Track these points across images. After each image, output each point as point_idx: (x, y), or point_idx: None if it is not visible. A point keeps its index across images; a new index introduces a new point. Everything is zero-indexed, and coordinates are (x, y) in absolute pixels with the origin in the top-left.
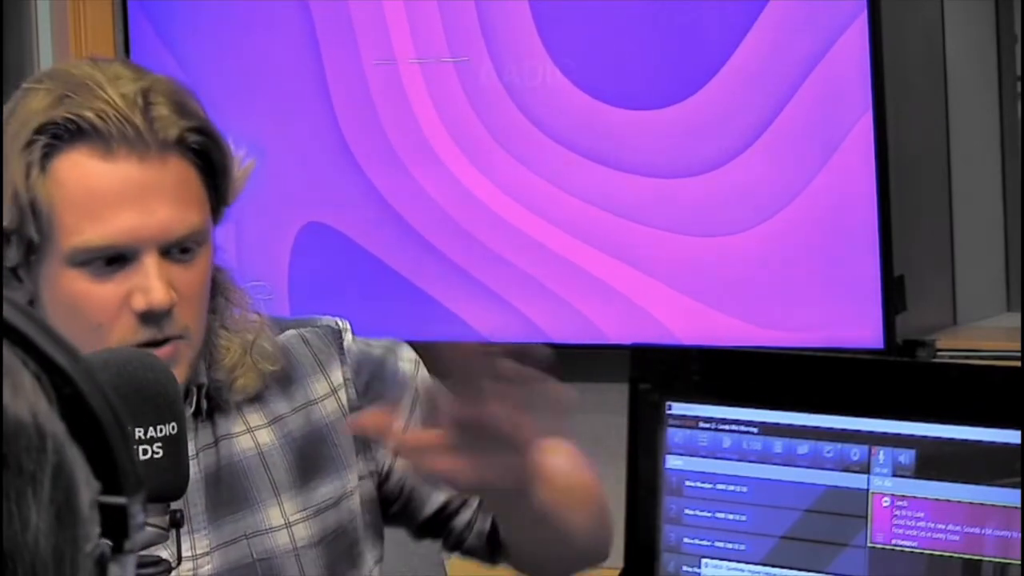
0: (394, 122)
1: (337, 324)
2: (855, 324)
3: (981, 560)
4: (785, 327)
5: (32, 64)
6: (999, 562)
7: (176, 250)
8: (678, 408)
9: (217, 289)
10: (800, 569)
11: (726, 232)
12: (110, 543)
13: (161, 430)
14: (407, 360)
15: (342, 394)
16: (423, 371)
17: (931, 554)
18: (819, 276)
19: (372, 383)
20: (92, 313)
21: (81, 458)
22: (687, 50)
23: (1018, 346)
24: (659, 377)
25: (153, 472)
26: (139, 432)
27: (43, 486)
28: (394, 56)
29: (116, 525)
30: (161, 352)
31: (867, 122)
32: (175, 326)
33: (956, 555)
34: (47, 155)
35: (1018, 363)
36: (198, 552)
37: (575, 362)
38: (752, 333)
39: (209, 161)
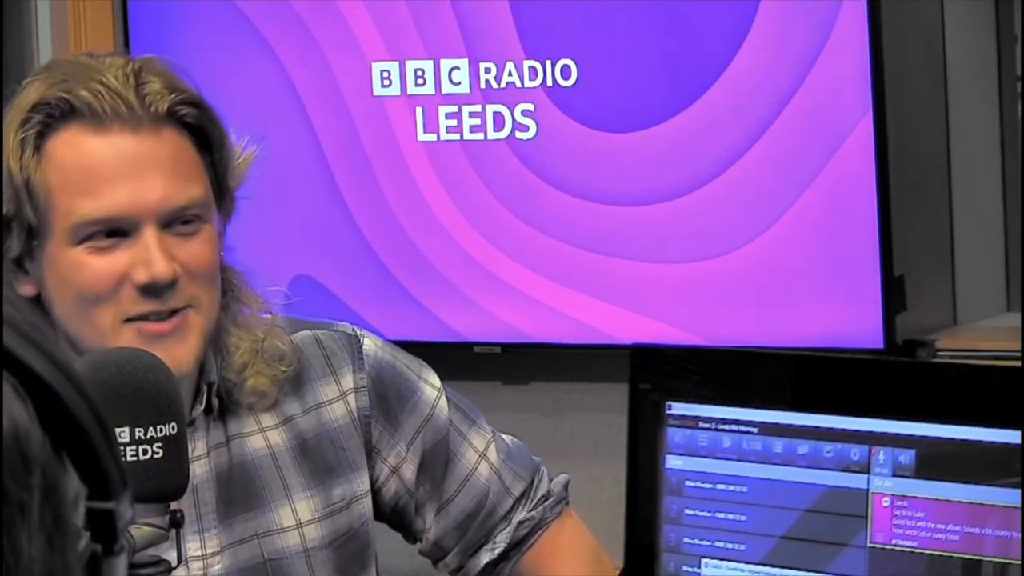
0: (380, 157)
1: (354, 331)
2: (855, 324)
3: (981, 560)
4: (785, 327)
5: (32, 64)
6: (999, 562)
7: (177, 223)
8: (678, 408)
9: (226, 287)
10: (800, 569)
11: (728, 241)
12: (100, 546)
13: (161, 430)
14: (431, 386)
15: (351, 399)
16: (443, 402)
17: (931, 554)
18: (819, 276)
19: (387, 395)
20: (93, 288)
21: (67, 467)
22: (684, 58)
23: (1018, 346)
24: (659, 377)
25: (153, 472)
26: (139, 432)
27: (32, 512)
28: (391, 80)
29: (105, 527)
30: (169, 324)
31: (867, 123)
32: (180, 298)
33: (956, 555)
34: (41, 135)
35: (1018, 363)
36: (208, 551)
37: (575, 362)
38: (752, 332)
39: (204, 135)
